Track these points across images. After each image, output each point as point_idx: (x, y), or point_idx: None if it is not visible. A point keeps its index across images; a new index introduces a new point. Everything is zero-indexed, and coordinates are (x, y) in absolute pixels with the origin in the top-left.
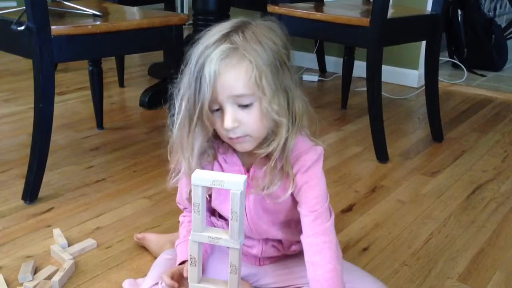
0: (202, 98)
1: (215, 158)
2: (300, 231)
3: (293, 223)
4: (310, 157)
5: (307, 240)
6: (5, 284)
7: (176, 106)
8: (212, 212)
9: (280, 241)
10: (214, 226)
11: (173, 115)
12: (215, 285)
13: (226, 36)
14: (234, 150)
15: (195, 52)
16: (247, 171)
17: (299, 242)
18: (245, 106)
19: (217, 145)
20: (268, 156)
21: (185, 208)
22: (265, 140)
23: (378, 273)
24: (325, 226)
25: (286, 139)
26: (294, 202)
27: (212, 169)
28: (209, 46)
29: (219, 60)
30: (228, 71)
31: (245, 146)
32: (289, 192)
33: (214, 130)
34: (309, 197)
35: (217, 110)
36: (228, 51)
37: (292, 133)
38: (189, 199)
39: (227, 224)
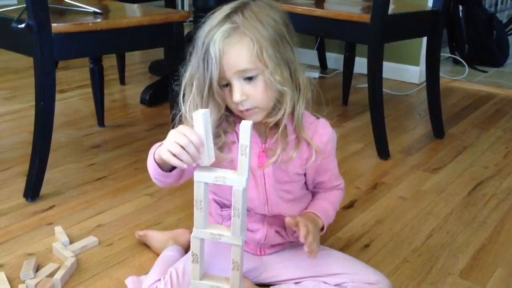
0: (210, 76)
1: (233, 128)
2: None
3: (301, 201)
4: (325, 127)
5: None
6: (7, 282)
7: (184, 86)
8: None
9: (284, 227)
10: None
11: (183, 96)
12: (217, 281)
13: (227, 17)
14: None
15: (201, 35)
16: (264, 142)
17: None
18: (251, 80)
19: (238, 120)
20: (278, 125)
21: None
22: (273, 110)
23: (380, 269)
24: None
25: (294, 108)
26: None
27: (228, 139)
28: (213, 28)
29: (222, 40)
30: (231, 49)
31: (255, 117)
32: (312, 160)
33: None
34: (331, 164)
35: (226, 85)
36: (230, 31)
37: (299, 102)
38: None
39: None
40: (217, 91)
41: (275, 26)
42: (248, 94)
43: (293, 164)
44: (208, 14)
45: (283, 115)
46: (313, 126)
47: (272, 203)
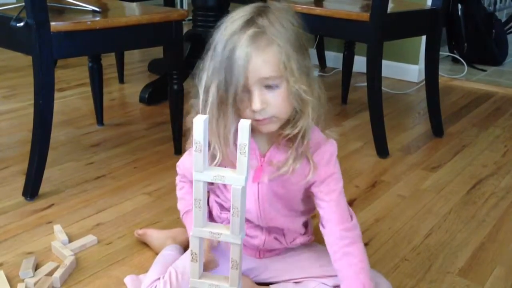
0: (236, 82)
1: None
2: (304, 224)
3: (299, 214)
4: (329, 149)
5: (334, 236)
6: (6, 281)
7: (201, 92)
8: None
9: (283, 234)
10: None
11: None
12: (216, 280)
13: (251, 21)
14: (251, 134)
15: (221, 39)
16: (263, 156)
17: (302, 235)
18: (272, 88)
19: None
20: (290, 139)
21: (183, 174)
22: (288, 121)
23: (379, 268)
24: (350, 223)
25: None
26: (305, 193)
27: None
28: (236, 32)
29: (249, 44)
30: (258, 55)
31: (270, 127)
32: (310, 176)
33: None
34: (332, 188)
35: (244, 93)
36: (257, 35)
37: (313, 115)
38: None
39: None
40: (240, 98)
41: (296, 31)
42: (268, 103)
43: (291, 179)
44: (224, 17)
45: (303, 127)
46: (318, 144)
47: (266, 217)
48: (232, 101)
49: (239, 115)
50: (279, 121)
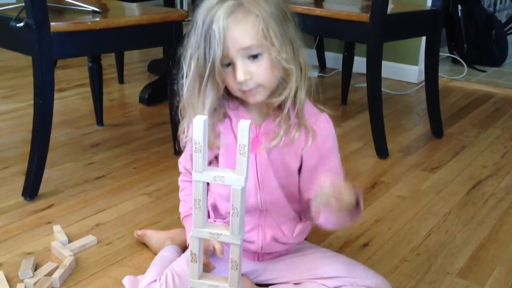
0: (213, 55)
1: (225, 116)
2: (303, 208)
3: (297, 200)
4: (326, 125)
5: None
6: (5, 281)
7: (185, 68)
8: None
9: (281, 230)
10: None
11: (182, 77)
12: (216, 281)
13: None
14: (245, 107)
15: (200, 14)
16: (258, 127)
17: (300, 222)
18: (255, 58)
19: (227, 102)
20: (280, 108)
21: (185, 171)
22: (276, 91)
23: (378, 268)
24: None
25: (296, 90)
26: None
27: (220, 128)
28: (213, 6)
29: (226, 17)
30: (236, 26)
31: (257, 97)
32: (309, 144)
33: (224, 88)
34: (328, 167)
35: (228, 65)
36: (233, 7)
37: (301, 83)
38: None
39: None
40: (219, 70)
41: (277, 3)
42: (252, 73)
43: (288, 153)
44: None
45: (288, 95)
46: (315, 116)
47: (265, 190)
48: (208, 75)
49: (218, 89)
50: (265, 90)
